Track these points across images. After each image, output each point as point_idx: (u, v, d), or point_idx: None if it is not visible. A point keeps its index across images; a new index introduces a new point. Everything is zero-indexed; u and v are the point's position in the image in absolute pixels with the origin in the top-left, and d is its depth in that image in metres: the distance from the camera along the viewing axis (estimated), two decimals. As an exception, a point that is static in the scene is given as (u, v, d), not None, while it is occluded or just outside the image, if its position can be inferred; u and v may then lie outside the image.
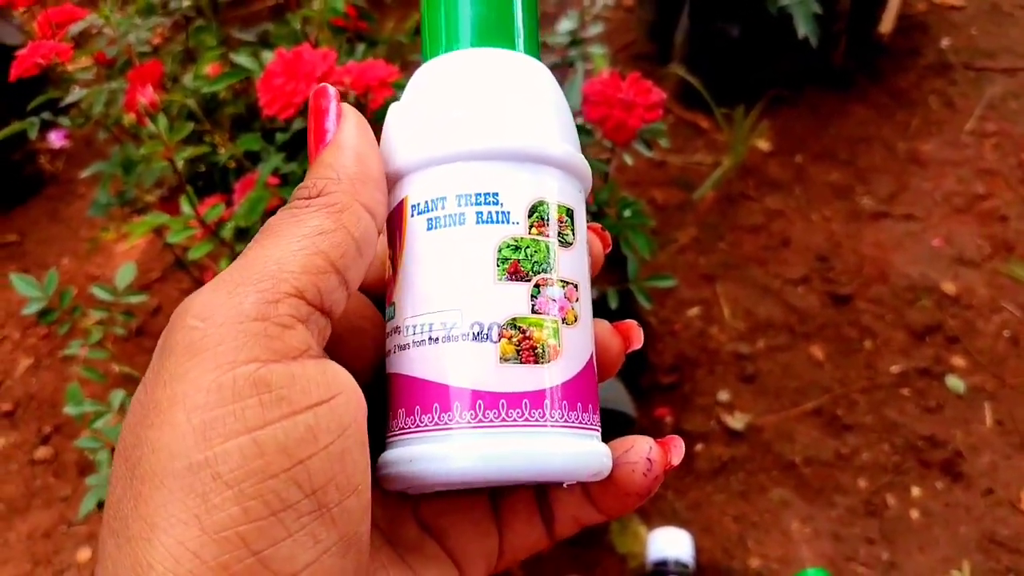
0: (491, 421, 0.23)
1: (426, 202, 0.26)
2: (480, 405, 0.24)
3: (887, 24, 1.60)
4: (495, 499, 0.28)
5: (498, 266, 0.25)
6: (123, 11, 0.93)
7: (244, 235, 0.75)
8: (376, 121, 0.29)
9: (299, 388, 0.21)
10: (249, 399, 0.20)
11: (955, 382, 1.15)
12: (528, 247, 0.25)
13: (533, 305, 0.25)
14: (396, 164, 0.27)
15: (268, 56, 0.74)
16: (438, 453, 0.24)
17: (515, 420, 0.24)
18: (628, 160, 0.77)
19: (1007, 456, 1.08)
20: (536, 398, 0.24)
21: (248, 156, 0.86)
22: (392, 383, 0.26)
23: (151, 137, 0.66)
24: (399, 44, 0.98)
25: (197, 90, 0.84)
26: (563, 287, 0.25)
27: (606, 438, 0.27)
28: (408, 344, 0.25)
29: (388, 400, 0.26)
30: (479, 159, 0.25)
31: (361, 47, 0.93)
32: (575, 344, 0.25)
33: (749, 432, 1.13)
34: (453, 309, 0.25)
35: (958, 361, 1.18)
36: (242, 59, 0.73)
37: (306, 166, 0.46)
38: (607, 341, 0.28)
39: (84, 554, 1.11)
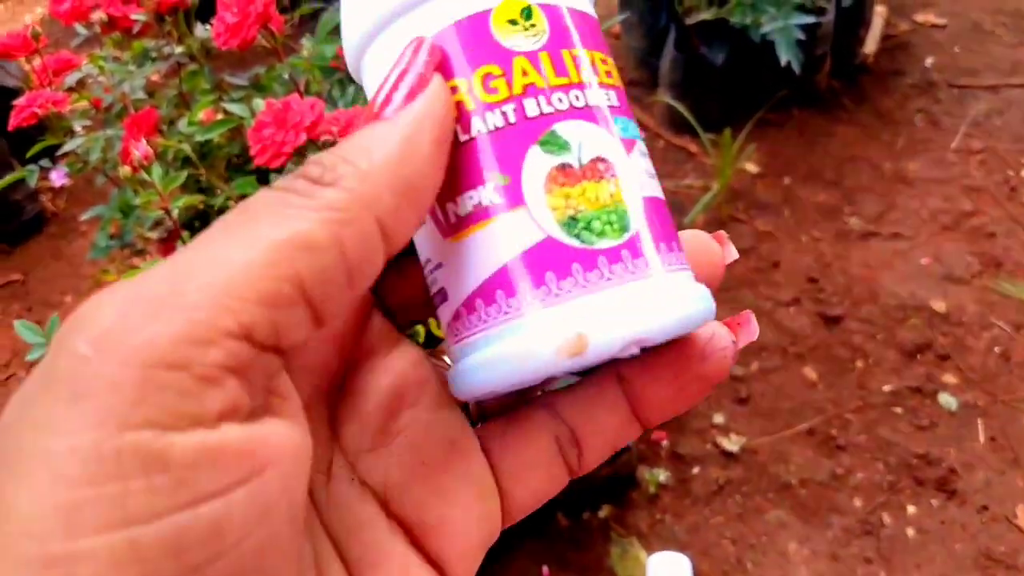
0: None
1: None
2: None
3: (871, 45, 1.63)
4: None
5: None
6: (120, 53, 0.95)
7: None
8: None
9: (208, 467, 0.15)
10: (136, 480, 0.15)
11: (947, 399, 1.17)
12: None
13: None
14: None
15: (259, 103, 0.76)
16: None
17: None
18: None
19: (1001, 472, 1.09)
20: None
21: (244, 199, 0.88)
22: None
23: (143, 184, 0.68)
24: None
25: (191, 136, 0.87)
26: None
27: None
28: None
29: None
30: None
31: (352, 88, 0.95)
32: None
33: (744, 454, 1.14)
34: None
35: (950, 378, 1.19)
36: (234, 107, 0.76)
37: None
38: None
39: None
